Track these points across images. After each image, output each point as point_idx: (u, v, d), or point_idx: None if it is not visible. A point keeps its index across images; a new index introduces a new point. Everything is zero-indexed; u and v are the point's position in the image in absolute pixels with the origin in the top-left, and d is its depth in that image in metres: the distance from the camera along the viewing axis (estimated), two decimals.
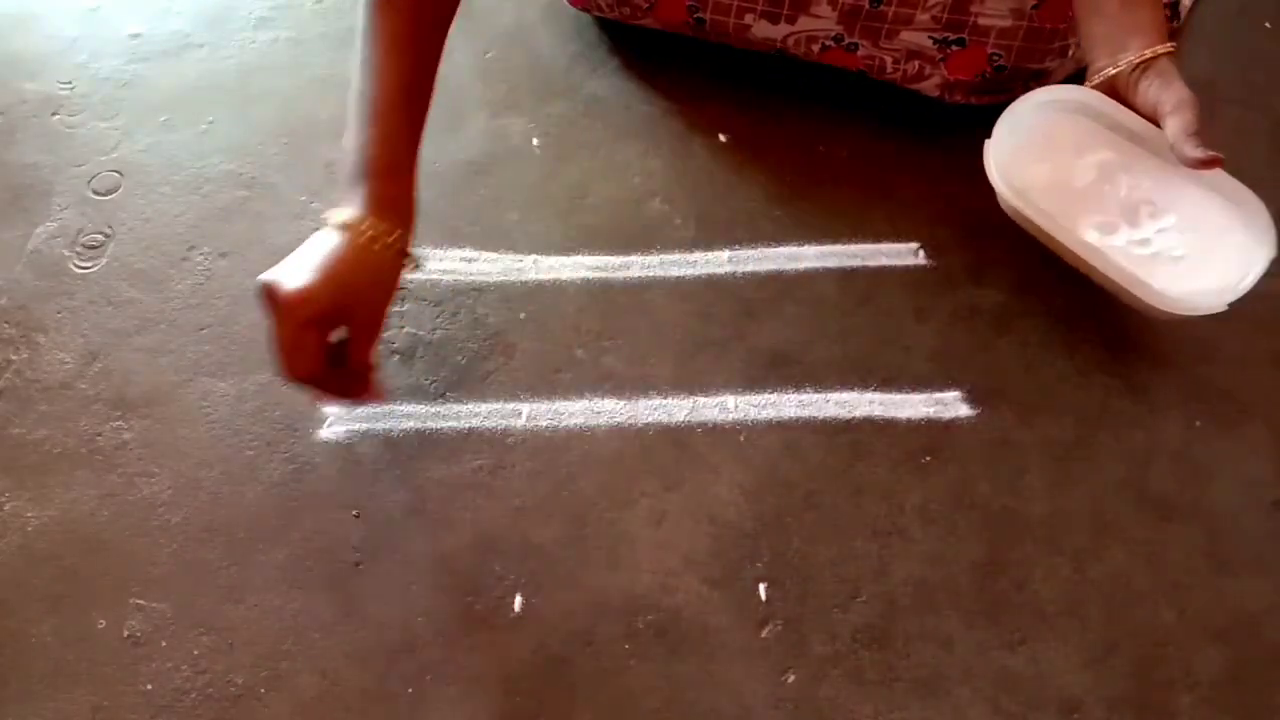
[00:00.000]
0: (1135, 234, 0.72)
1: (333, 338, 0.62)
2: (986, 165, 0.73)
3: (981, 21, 0.80)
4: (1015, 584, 0.69)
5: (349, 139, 0.64)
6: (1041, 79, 0.83)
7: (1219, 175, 0.69)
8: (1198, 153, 0.65)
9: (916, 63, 0.84)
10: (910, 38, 0.83)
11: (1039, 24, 0.79)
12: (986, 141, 0.73)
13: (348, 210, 0.63)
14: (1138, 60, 0.68)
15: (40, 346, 0.79)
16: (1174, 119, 0.66)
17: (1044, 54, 0.81)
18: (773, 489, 0.73)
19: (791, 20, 0.84)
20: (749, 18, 0.85)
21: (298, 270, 0.60)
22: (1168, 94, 0.67)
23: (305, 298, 0.59)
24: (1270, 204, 0.68)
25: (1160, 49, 0.67)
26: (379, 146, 0.64)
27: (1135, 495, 0.73)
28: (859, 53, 0.85)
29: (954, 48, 0.82)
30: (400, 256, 0.64)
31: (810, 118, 0.91)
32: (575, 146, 0.90)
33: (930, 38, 0.82)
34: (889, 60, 0.85)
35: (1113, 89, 0.71)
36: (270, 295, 0.59)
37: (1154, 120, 0.69)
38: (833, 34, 0.84)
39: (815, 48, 0.86)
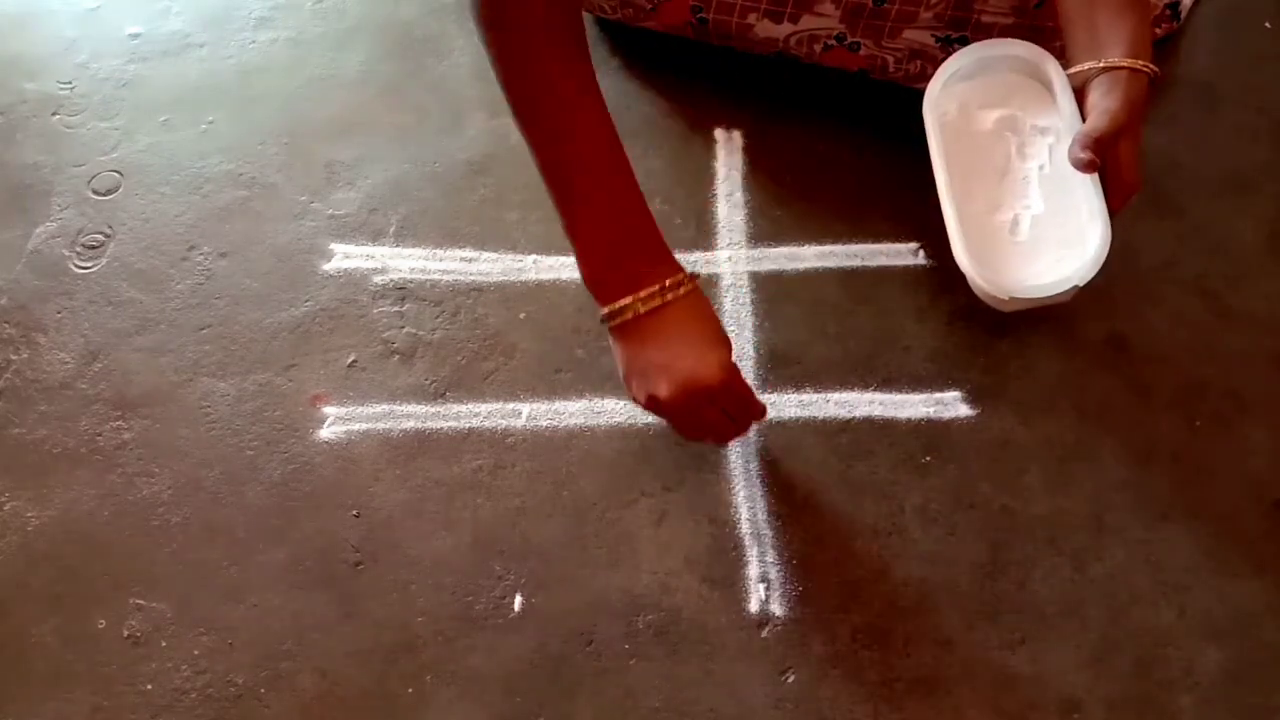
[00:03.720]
0: (999, 200, 0.74)
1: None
2: (925, 102, 0.75)
3: (984, 19, 0.80)
4: (1015, 584, 0.69)
5: (593, 212, 0.62)
6: None
7: (1095, 196, 0.69)
8: (1083, 154, 0.66)
9: (919, 62, 0.84)
10: (913, 36, 0.82)
11: (1041, 22, 0.79)
12: (933, 77, 0.75)
13: (665, 276, 0.62)
14: (1103, 66, 0.68)
15: (40, 346, 0.79)
16: (1090, 121, 0.67)
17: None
18: (773, 489, 0.73)
19: (794, 19, 0.84)
20: (752, 17, 0.85)
21: (692, 356, 0.62)
22: (1106, 101, 0.68)
23: (731, 366, 0.63)
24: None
25: (1127, 62, 0.68)
26: (639, 213, 0.63)
27: (1135, 495, 0.73)
28: (861, 52, 0.85)
29: (956, 46, 0.82)
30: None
31: (811, 118, 0.91)
32: None
33: (933, 36, 0.82)
34: (891, 60, 0.85)
35: (1080, 90, 0.72)
36: (685, 392, 0.62)
37: None
38: (835, 33, 0.84)
39: (817, 48, 0.86)
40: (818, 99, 0.91)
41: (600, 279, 0.63)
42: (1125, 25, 0.69)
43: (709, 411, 0.63)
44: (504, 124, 0.92)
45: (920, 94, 0.88)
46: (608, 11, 0.92)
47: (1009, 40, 0.76)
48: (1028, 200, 0.73)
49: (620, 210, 0.63)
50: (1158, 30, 0.90)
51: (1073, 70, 0.71)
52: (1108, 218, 0.69)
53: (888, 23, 0.82)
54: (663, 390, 0.62)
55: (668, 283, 0.62)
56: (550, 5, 0.60)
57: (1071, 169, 0.69)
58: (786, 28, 0.85)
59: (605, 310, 0.62)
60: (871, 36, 0.83)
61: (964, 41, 0.82)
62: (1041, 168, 0.74)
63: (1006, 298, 0.69)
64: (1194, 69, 0.93)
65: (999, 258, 0.72)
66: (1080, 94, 0.70)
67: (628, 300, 0.61)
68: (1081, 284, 0.68)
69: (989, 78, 0.77)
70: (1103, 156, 0.67)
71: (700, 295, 0.64)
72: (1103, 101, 0.68)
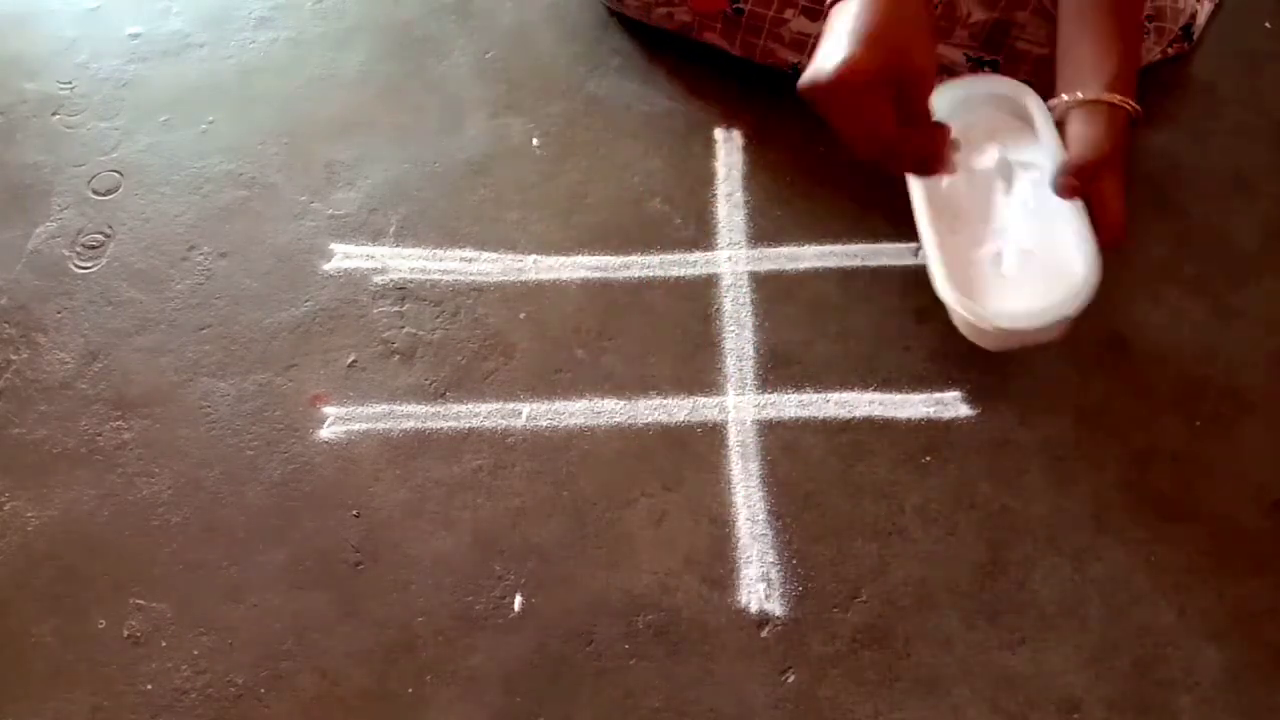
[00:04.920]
0: (983, 236, 0.72)
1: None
2: None
3: (1020, 46, 0.80)
4: (1015, 584, 0.69)
5: None
6: None
7: (1083, 225, 0.68)
8: (1063, 179, 0.66)
9: (944, 78, 0.84)
10: (945, 52, 0.82)
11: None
12: None
13: None
14: (1082, 99, 0.69)
15: (40, 346, 0.79)
16: (1072, 150, 0.67)
17: None
18: (772, 489, 0.73)
19: None
20: (789, 12, 0.84)
21: (833, 49, 0.57)
22: (1087, 130, 0.68)
23: (851, 65, 0.56)
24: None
25: (1106, 96, 0.68)
26: None
27: (1135, 495, 0.73)
28: None
29: (986, 69, 0.82)
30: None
31: (811, 118, 0.90)
32: (575, 146, 0.90)
33: (965, 55, 0.82)
34: None
35: (1060, 124, 0.72)
36: (816, 88, 0.58)
37: None
38: None
39: None
40: None
41: None
42: (1110, 61, 0.69)
43: (847, 115, 0.58)
44: (504, 124, 0.92)
45: None
46: (630, 11, 0.92)
47: (987, 76, 0.75)
48: (1013, 235, 0.72)
49: None
50: (1169, 50, 0.90)
51: (1052, 103, 0.71)
52: (1096, 249, 0.67)
53: None
54: (830, 59, 0.57)
55: None
56: None
57: (1056, 204, 0.69)
58: (820, 26, 0.84)
59: None
60: None
61: (995, 66, 0.82)
62: (1025, 203, 0.72)
63: (991, 329, 0.67)
64: (1194, 69, 0.93)
65: (983, 291, 0.70)
66: (1060, 127, 0.70)
67: None
68: (1070, 315, 0.66)
69: (969, 115, 0.75)
70: (1086, 186, 0.66)
71: (928, 9, 0.59)
72: (1084, 131, 0.68)
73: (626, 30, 0.96)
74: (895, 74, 0.57)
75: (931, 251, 0.70)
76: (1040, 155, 0.72)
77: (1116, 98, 0.68)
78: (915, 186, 0.72)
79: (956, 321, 0.71)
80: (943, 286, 0.69)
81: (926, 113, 0.60)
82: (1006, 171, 0.74)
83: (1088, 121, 0.68)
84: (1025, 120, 0.74)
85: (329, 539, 0.71)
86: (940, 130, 0.61)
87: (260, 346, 0.79)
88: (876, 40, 0.57)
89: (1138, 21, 0.74)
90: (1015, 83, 0.74)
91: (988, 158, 0.75)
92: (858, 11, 0.58)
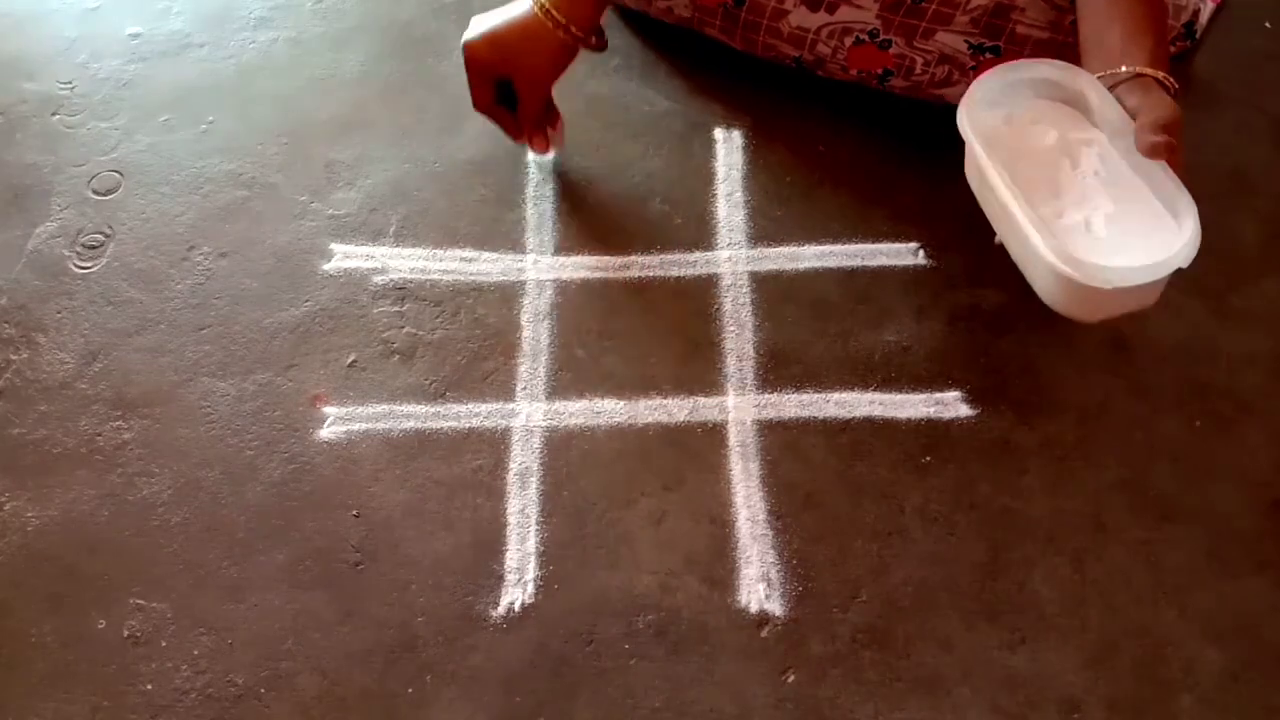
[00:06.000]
0: (1065, 208, 0.71)
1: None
2: (959, 118, 0.72)
3: (1020, 30, 0.80)
4: (1015, 584, 0.69)
5: None
6: None
7: (1169, 182, 0.68)
8: (1155, 136, 0.65)
9: (946, 67, 0.84)
10: (946, 39, 0.82)
11: (1074, 39, 0.79)
12: (964, 97, 0.73)
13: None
14: (1127, 75, 0.68)
15: (40, 346, 0.79)
16: (1148, 114, 0.67)
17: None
18: (773, 489, 0.73)
19: (831, 9, 0.83)
20: (789, 3, 0.84)
21: (478, 24, 0.77)
22: (1154, 96, 0.67)
23: (467, 47, 0.77)
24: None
25: (1152, 72, 0.68)
26: None
27: (1135, 495, 0.73)
28: (890, 50, 0.84)
29: (988, 55, 0.82)
30: (567, 38, 0.76)
31: (811, 118, 0.91)
32: (575, 146, 0.90)
33: (966, 42, 0.82)
34: (919, 61, 0.84)
35: None
36: (467, 48, 0.78)
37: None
38: (869, 28, 0.83)
39: (848, 40, 0.85)
40: (818, 99, 0.91)
41: None
42: (1145, 39, 0.69)
43: (478, 80, 0.78)
44: None
45: (937, 104, 0.88)
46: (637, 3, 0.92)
47: (1033, 61, 0.74)
48: (1094, 203, 0.70)
49: None
50: (1172, 48, 0.90)
51: (1098, 77, 0.70)
52: (1190, 196, 0.65)
53: (923, 22, 0.81)
54: (466, 35, 0.77)
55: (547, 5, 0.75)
56: None
57: (1127, 170, 0.68)
58: (822, 18, 0.84)
59: None
60: (904, 35, 0.83)
61: (996, 52, 0.81)
62: (1096, 173, 0.71)
63: (1110, 288, 0.64)
64: (1194, 68, 0.94)
65: (1084, 254, 0.66)
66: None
67: None
68: (1184, 266, 0.64)
69: (1014, 99, 0.74)
70: (1176, 141, 0.65)
71: (561, 49, 0.77)
72: (1148, 99, 0.67)
73: (626, 30, 0.96)
74: (497, 72, 0.78)
75: (1022, 219, 0.67)
76: (1095, 131, 0.71)
77: (1160, 74, 0.68)
78: (989, 168, 0.70)
79: (1047, 294, 0.69)
80: (1044, 252, 0.65)
81: (528, 112, 0.81)
82: (1068, 148, 0.73)
83: (1148, 90, 0.67)
84: (1068, 101, 0.73)
85: (329, 539, 0.71)
86: (535, 133, 0.83)
87: (260, 346, 0.79)
88: (493, 42, 0.77)
89: (1164, 3, 0.74)
90: (1060, 63, 0.73)
91: (1047, 137, 0.73)
92: (504, 17, 0.77)
